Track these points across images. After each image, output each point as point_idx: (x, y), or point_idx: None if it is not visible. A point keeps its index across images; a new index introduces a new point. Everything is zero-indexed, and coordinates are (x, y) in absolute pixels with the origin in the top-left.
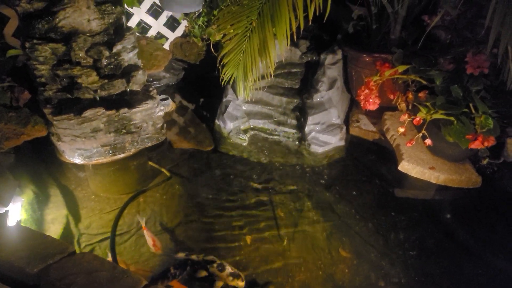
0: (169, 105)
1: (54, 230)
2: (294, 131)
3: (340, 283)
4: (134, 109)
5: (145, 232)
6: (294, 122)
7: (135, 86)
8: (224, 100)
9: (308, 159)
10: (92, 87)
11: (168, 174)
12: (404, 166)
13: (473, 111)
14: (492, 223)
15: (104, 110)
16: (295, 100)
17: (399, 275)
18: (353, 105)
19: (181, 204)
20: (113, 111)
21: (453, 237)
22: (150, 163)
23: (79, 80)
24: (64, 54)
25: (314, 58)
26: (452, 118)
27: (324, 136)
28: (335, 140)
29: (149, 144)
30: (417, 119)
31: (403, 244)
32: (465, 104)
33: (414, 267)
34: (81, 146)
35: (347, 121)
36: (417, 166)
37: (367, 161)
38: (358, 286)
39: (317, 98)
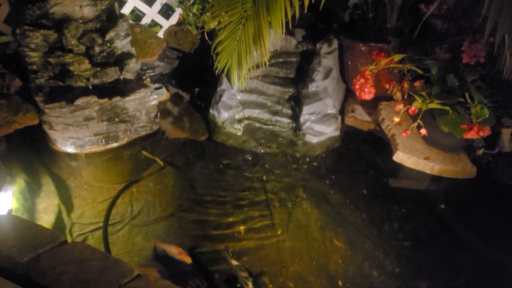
0: (163, 94)
1: (46, 219)
2: (289, 121)
3: (334, 274)
4: (127, 98)
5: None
6: (289, 111)
7: (129, 75)
8: (218, 89)
9: (302, 149)
10: (84, 75)
11: (161, 163)
12: (399, 156)
13: (469, 100)
14: (487, 214)
15: (97, 99)
16: (290, 90)
17: (392, 266)
18: (348, 95)
19: (175, 194)
20: (106, 100)
21: (447, 228)
22: (143, 152)
23: (71, 68)
24: (56, 41)
25: (310, 47)
26: (447, 108)
27: (319, 126)
28: (330, 130)
29: (143, 133)
30: (412, 108)
31: (397, 235)
32: (460, 93)
33: (408, 258)
34: (74, 135)
35: (342, 111)
36: (412, 156)
37: (362, 151)
38: (351, 276)
39: (312, 87)
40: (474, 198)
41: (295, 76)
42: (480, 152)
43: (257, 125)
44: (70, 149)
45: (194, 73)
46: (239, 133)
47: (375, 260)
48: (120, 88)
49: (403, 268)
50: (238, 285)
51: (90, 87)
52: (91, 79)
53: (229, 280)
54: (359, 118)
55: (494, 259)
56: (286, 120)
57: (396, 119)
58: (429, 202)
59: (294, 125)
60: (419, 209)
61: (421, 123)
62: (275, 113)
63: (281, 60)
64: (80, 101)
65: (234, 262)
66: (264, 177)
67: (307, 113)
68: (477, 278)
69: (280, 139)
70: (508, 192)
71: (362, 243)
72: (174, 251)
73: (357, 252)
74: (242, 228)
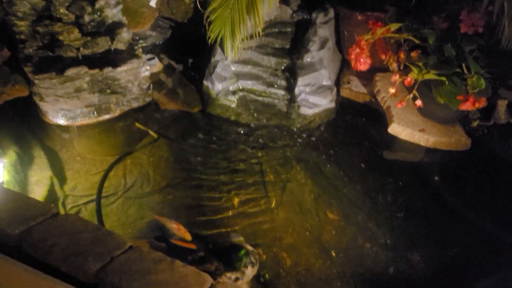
0: (156, 65)
1: (38, 192)
2: (284, 92)
3: (327, 245)
4: (119, 68)
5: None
6: (284, 83)
7: (120, 45)
8: (212, 60)
9: (297, 121)
10: (74, 45)
11: (155, 135)
12: (394, 129)
13: (466, 71)
14: (480, 186)
15: (87, 69)
16: (285, 61)
17: (385, 237)
18: (344, 66)
19: (169, 166)
20: (97, 70)
21: (441, 200)
22: (137, 124)
23: (60, 37)
24: (44, 10)
25: (305, 16)
26: (443, 79)
27: (314, 98)
28: (325, 102)
29: (135, 105)
30: (408, 79)
31: (390, 206)
32: (457, 64)
33: (400, 229)
34: (65, 107)
35: (338, 83)
36: (407, 128)
37: (357, 123)
38: (344, 247)
39: (307, 58)
40: (468, 170)
41: (290, 46)
42: (475, 124)
43: (252, 96)
44: (62, 121)
45: (188, 43)
46: (233, 105)
47: (368, 231)
48: (111, 59)
49: (395, 239)
50: (242, 252)
51: (81, 57)
52: (81, 49)
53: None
54: (355, 89)
55: (486, 229)
56: (280, 92)
57: (392, 90)
58: (423, 174)
59: (289, 96)
60: (413, 181)
61: (417, 95)
62: (269, 84)
63: (276, 30)
64: (70, 72)
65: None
66: (258, 149)
67: (302, 84)
68: (469, 248)
69: (274, 111)
70: (502, 164)
71: (355, 214)
72: (174, 226)
73: (351, 224)
74: (236, 200)
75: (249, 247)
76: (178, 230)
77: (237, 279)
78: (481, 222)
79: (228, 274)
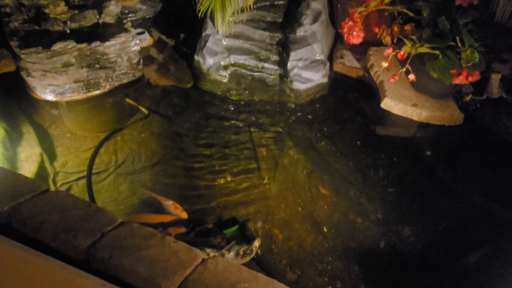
0: (146, 39)
1: (28, 168)
2: (276, 67)
3: (319, 220)
4: (107, 43)
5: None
6: (276, 58)
7: (108, 18)
8: (203, 34)
9: (290, 96)
10: (61, 18)
11: (146, 111)
12: (387, 103)
13: (459, 44)
14: (472, 160)
15: (75, 43)
16: (278, 35)
17: (377, 212)
18: (337, 40)
19: (160, 143)
20: (85, 45)
21: (432, 174)
22: (127, 100)
23: (46, 10)
24: None
25: None
26: (437, 52)
27: (307, 73)
28: (318, 77)
29: (125, 81)
30: (402, 53)
31: (382, 182)
32: (451, 37)
33: (392, 204)
34: (53, 82)
35: (331, 57)
36: (399, 103)
37: (350, 98)
38: (336, 222)
39: (300, 32)
40: (460, 145)
41: (283, 20)
42: (468, 98)
43: (244, 71)
44: (50, 97)
45: (180, 17)
46: (225, 80)
47: (360, 206)
48: (100, 33)
49: (387, 214)
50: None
51: (68, 31)
52: (68, 22)
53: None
54: (348, 64)
55: (476, 204)
56: (273, 67)
57: (385, 64)
58: (415, 149)
59: (281, 71)
60: (405, 156)
61: (410, 69)
62: (261, 59)
63: (267, 3)
64: (57, 46)
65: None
66: (251, 125)
67: (295, 59)
68: (459, 222)
69: (267, 86)
70: (494, 139)
71: (347, 190)
72: (169, 204)
73: (343, 199)
74: (228, 176)
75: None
76: (174, 209)
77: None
78: (473, 197)
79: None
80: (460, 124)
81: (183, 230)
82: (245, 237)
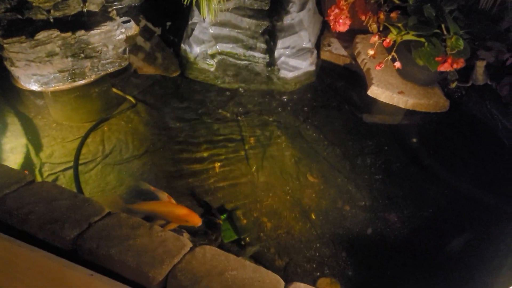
0: (132, 28)
1: (13, 159)
2: (263, 55)
3: (307, 207)
4: (92, 32)
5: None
6: (263, 46)
7: (93, 6)
8: (190, 22)
9: (277, 84)
10: (44, 7)
11: (133, 101)
12: (374, 91)
13: (445, 32)
14: (457, 147)
15: (59, 32)
16: (265, 23)
17: (364, 199)
18: (325, 28)
19: (147, 132)
20: (69, 34)
21: (419, 161)
22: (113, 89)
23: None
24: None
25: None
26: (422, 40)
27: (294, 61)
28: (305, 65)
29: (111, 70)
30: (387, 40)
31: (369, 169)
32: (437, 24)
33: (379, 191)
34: (37, 72)
35: (318, 45)
36: (386, 90)
37: (338, 86)
38: (324, 209)
39: (287, 20)
40: (446, 132)
41: (270, 8)
42: (453, 85)
43: (231, 60)
44: (34, 87)
45: (167, 5)
46: (212, 69)
47: (347, 193)
48: (84, 21)
49: (374, 201)
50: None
51: (52, 20)
52: (52, 11)
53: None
54: (335, 52)
55: (461, 190)
56: (260, 55)
57: (371, 52)
58: (401, 137)
59: (268, 60)
60: (392, 144)
61: (396, 56)
62: (249, 47)
63: None
64: (41, 35)
65: None
66: (238, 114)
67: (282, 47)
68: (444, 209)
69: (254, 74)
70: (479, 125)
71: (335, 177)
72: (165, 197)
73: (330, 187)
74: (216, 165)
75: None
76: (168, 201)
77: None
78: (458, 183)
79: None
80: (446, 111)
81: (174, 226)
82: (233, 226)
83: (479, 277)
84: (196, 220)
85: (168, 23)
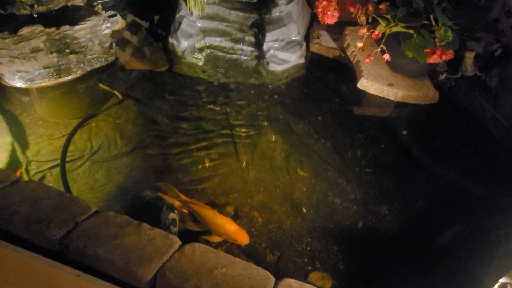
0: (118, 22)
1: None
2: (252, 49)
3: (298, 201)
4: (77, 26)
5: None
6: (252, 39)
7: (77, 1)
8: (177, 16)
9: (267, 78)
10: (27, 2)
11: (120, 97)
12: (363, 83)
13: (434, 23)
14: (447, 138)
15: (43, 28)
16: (253, 16)
17: (355, 192)
18: (314, 21)
19: (136, 128)
20: (53, 29)
21: (409, 153)
22: (100, 85)
23: None
24: None
25: None
26: (411, 31)
27: (283, 54)
28: (294, 58)
29: (97, 65)
30: (376, 32)
31: (359, 162)
32: (425, 16)
33: (369, 184)
34: (21, 68)
35: (307, 38)
36: (376, 83)
37: (327, 79)
38: (315, 203)
39: (276, 12)
40: (436, 124)
41: (258, 0)
42: (442, 77)
43: (219, 54)
44: (19, 84)
45: None
46: (201, 63)
47: (338, 187)
48: (69, 16)
49: (364, 194)
50: None
51: (35, 15)
52: (35, 6)
53: None
54: (325, 44)
55: (452, 181)
56: (249, 48)
57: (359, 44)
58: (391, 129)
59: (257, 53)
60: (382, 136)
61: (385, 48)
62: (237, 41)
63: None
64: (24, 31)
65: None
66: (228, 108)
67: (271, 40)
68: (435, 201)
69: (243, 68)
70: (469, 117)
71: (325, 171)
72: (175, 205)
73: (321, 180)
74: (206, 160)
75: None
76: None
77: None
78: (449, 174)
79: None
80: (436, 102)
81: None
82: None
83: (469, 269)
84: (245, 240)
85: (156, 17)
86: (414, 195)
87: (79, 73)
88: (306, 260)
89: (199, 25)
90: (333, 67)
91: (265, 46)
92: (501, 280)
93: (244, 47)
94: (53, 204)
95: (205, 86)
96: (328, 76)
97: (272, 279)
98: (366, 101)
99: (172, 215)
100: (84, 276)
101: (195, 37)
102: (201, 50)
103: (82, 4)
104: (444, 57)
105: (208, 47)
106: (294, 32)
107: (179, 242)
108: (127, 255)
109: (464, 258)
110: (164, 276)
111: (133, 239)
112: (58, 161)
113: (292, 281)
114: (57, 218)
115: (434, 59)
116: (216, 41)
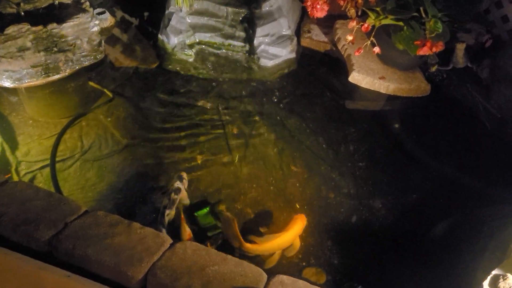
0: (107, 19)
1: None
2: (243, 44)
3: (291, 197)
4: (65, 24)
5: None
6: (242, 34)
7: None
8: (166, 12)
9: (258, 73)
10: (13, 0)
11: (110, 95)
12: (355, 77)
13: (423, 15)
14: (439, 131)
15: (30, 26)
16: (243, 11)
17: (348, 186)
18: (304, 15)
19: (127, 126)
20: (40, 27)
21: (401, 147)
22: (90, 83)
23: None
24: None
25: None
26: (401, 24)
27: (274, 49)
28: (285, 53)
29: (86, 63)
30: (366, 25)
31: (352, 156)
32: (415, 8)
33: (362, 178)
34: (8, 68)
35: (298, 32)
36: (367, 76)
37: (319, 73)
38: (308, 198)
39: (266, 7)
40: (428, 116)
41: None
42: (434, 69)
43: (210, 50)
44: (7, 83)
45: None
46: (191, 59)
47: (331, 182)
48: (56, 14)
49: (358, 188)
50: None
51: (22, 13)
52: (21, 4)
53: None
54: (316, 38)
55: (444, 173)
56: (239, 44)
57: (349, 38)
58: (384, 122)
59: (248, 48)
60: (374, 130)
61: (375, 41)
62: (227, 36)
63: None
64: (10, 30)
65: None
66: (219, 105)
67: (261, 35)
68: (429, 193)
69: (234, 64)
70: (460, 109)
71: (318, 166)
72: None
73: (314, 175)
74: (199, 157)
75: None
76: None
77: None
78: (441, 167)
79: None
80: (428, 95)
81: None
82: (217, 219)
83: (462, 261)
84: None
85: (145, 14)
86: (407, 188)
87: (68, 71)
88: (300, 256)
89: (189, 21)
90: (325, 61)
91: (255, 41)
92: (494, 272)
93: (234, 43)
94: (42, 205)
95: (196, 82)
96: (319, 70)
97: (265, 275)
98: (358, 95)
99: (178, 184)
100: (74, 277)
101: (185, 33)
102: (191, 46)
103: (69, 2)
104: (434, 49)
105: (198, 43)
106: (284, 26)
107: (170, 241)
108: (117, 255)
109: (457, 250)
110: (155, 275)
111: (124, 239)
112: (49, 161)
113: (285, 277)
114: (46, 219)
115: (424, 51)
116: (206, 36)
